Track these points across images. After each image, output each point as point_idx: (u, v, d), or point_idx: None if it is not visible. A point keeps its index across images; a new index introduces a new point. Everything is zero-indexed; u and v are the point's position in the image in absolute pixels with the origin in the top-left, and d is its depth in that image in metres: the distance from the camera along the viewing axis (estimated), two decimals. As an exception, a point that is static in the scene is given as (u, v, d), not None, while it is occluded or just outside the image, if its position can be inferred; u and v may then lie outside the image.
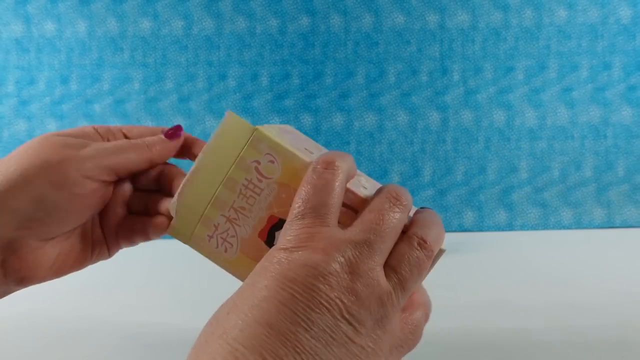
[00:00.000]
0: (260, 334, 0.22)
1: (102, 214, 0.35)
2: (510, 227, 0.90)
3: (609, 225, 0.90)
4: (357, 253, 0.25)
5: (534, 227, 0.90)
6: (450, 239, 0.86)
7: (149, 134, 0.36)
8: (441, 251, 0.29)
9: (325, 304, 0.23)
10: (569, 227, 0.90)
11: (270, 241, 0.30)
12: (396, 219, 0.27)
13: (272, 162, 0.29)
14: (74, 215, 0.32)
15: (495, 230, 0.90)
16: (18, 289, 0.33)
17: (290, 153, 0.29)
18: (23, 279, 0.32)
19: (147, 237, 0.35)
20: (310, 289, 0.23)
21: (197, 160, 0.30)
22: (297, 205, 0.26)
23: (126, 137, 0.36)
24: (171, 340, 0.48)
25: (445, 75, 0.90)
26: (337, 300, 0.23)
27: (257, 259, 0.28)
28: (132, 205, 0.35)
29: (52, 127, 0.90)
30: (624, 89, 0.89)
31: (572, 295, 0.58)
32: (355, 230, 0.26)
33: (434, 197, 0.90)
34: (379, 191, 0.28)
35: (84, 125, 0.94)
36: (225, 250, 0.30)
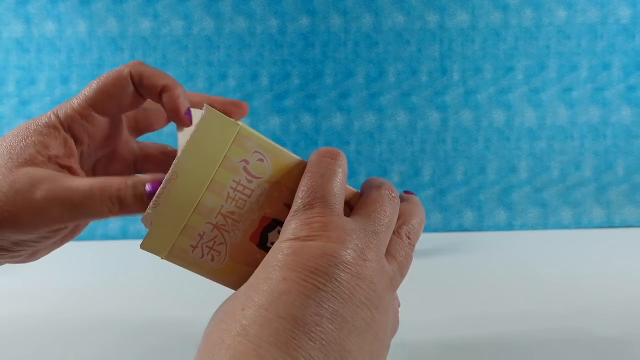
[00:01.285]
0: (284, 329, 0.21)
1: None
2: (510, 227, 0.90)
3: (609, 225, 0.90)
4: (368, 242, 0.25)
5: (534, 227, 0.90)
6: (450, 239, 0.86)
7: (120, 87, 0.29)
8: None
9: (348, 292, 0.23)
10: (568, 227, 0.90)
11: (262, 244, 0.28)
12: (394, 212, 0.28)
13: (261, 160, 0.27)
14: (46, 242, 0.29)
15: (495, 230, 0.90)
16: None
17: (280, 150, 0.28)
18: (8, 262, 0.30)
19: None
20: (333, 279, 0.23)
21: (174, 164, 0.26)
22: (305, 195, 0.26)
23: (100, 109, 0.30)
24: (173, 338, 0.48)
25: (445, 75, 0.90)
26: (358, 288, 0.23)
27: (248, 264, 0.28)
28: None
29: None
30: (624, 89, 0.89)
31: (572, 295, 0.58)
32: (364, 221, 0.26)
33: (434, 197, 0.90)
34: (376, 185, 0.29)
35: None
36: (212, 259, 0.27)
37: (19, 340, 0.50)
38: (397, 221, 0.28)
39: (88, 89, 0.30)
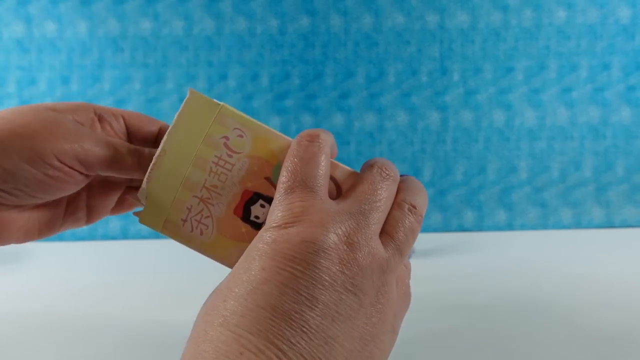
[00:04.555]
0: (264, 318, 0.21)
1: (90, 183, 0.33)
2: (510, 227, 0.90)
3: (608, 225, 0.90)
4: (354, 224, 0.24)
5: (534, 227, 0.90)
6: (450, 239, 0.86)
7: (148, 123, 0.34)
8: None
9: (328, 279, 0.22)
10: (568, 227, 0.90)
11: (246, 217, 0.29)
12: (388, 190, 0.27)
13: (240, 136, 0.29)
14: (47, 193, 0.30)
15: (495, 230, 0.90)
16: None
17: (258, 126, 0.29)
18: None
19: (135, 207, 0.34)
20: (312, 266, 0.23)
21: (162, 142, 0.29)
22: (285, 179, 0.26)
23: (125, 124, 0.34)
24: (174, 339, 0.49)
25: (445, 75, 0.90)
26: (340, 274, 0.23)
27: (235, 238, 0.29)
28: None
29: (52, 127, 0.90)
30: (623, 89, 0.89)
31: (572, 294, 0.58)
32: (350, 202, 0.25)
33: (434, 197, 0.90)
34: (368, 165, 0.28)
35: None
36: (201, 233, 0.29)
37: (20, 339, 0.51)
38: (398, 195, 0.27)
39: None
